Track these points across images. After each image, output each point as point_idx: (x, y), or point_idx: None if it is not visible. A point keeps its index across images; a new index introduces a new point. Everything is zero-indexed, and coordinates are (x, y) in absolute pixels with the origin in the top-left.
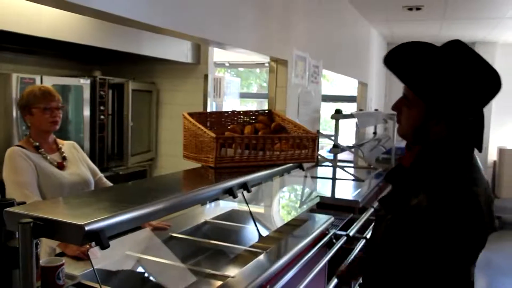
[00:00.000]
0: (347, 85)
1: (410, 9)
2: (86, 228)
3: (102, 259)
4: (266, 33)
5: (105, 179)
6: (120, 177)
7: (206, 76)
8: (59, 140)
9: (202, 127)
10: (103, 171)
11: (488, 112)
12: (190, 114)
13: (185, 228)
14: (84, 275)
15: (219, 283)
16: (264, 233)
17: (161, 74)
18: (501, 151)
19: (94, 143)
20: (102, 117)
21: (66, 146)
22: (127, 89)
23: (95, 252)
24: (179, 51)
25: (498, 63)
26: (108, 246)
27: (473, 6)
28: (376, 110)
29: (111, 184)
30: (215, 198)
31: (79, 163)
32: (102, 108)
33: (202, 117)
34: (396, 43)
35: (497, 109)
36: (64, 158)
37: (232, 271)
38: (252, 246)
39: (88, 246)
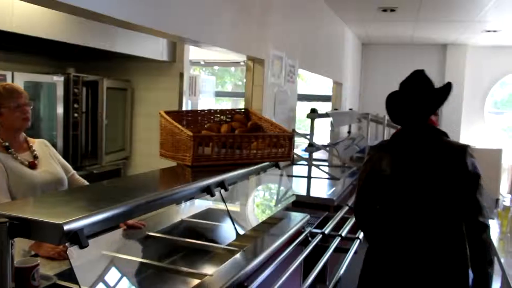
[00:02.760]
0: (322, 85)
1: (385, 10)
2: (65, 227)
3: (77, 258)
4: (243, 32)
5: (78, 176)
6: (94, 176)
7: (181, 75)
8: (29, 139)
9: (179, 126)
10: (76, 170)
11: (458, 113)
12: (167, 113)
13: (161, 227)
14: (59, 275)
15: (196, 281)
16: (241, 231)
17: (136, 72)
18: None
19: (67, 142)
20: (75, 115)
21: (37, 144)
22: (101, 87)
23: (70, 251)
24: (154, 49)
25: (469, 65)
26: (87, 245)
27: (445, 9)
28: (350, 109)
29: (85, 181)
30: (192, 197)
31: (51, 161)
32: (76, 106)
33: (179, 115)
34: (370, 44)
35: (466, 110)
36: (35, 157)
37: (209, 270)
38: (229, 245)
39: (63, 246)
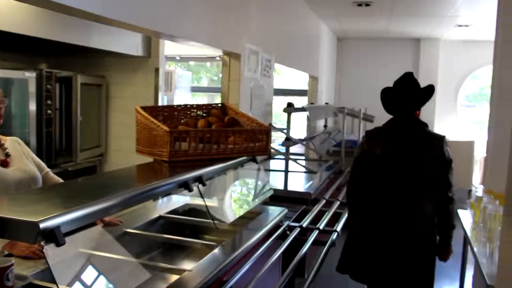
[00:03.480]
0: (297, 79)
1: (360, 5)
2: (41, 225)
3: (54, 257)
4: (219, 26)
5: (52, 174)
6: (69, 173)
7: (157, 70)
8: (1, 137)
9: (155, 121)
10: (51, 168)
11: (431, 106)
12: (143, 108)
13: (139, 224)
14: (35, 275)
15: (175, 277)
16: (219, 226)
17: (110, 68)
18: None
19: (41, 139)
20: (49, 111)
21: (9, 142)
22: (75, 83)
23: (46, 250)
24: (129, 43)
25: (442, 59)
26: (64, 243)
27: (418, 4)
28: (326, 103)
29: (59, 179)
30: (170, 192)
31: (24, 159)
32: (49, 102)
33: (155, 111)
34: (346, 38)
35: (440, 103)
36: (7, 155)
37: (188, 265)
38: (207, 240)
39: (38, 245)
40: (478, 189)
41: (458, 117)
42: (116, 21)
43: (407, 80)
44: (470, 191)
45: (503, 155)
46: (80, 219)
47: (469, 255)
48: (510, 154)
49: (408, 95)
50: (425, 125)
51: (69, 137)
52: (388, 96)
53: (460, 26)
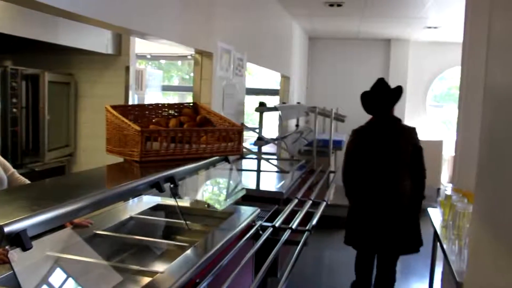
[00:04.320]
0: (269, 79)
1: (332, 5)
2: (5, 229)
3: (19, 262)
4: (191, 25)
5: (18, 175)
6: (36, 174)
7: (127, 68)
8: None
9: (126, 120)
10: (17, 168)
11: (401, 106)
12: (113, 107)
13: (109, 225)
14: None
15: (147, 279)
16: (192, 227)
17: (79, 65)
18: None
19: (6, 138)
20: (14, 110)
21: None
22: (42, 81)
23: (12, 255)
24: (98, 41)
25: (411, 59)
26: (31, 247)
27: (389, 6)
28: (298, 103)
29: (26, 180)
30: (141, 193)
31: None
32: (14, 100)
33: (126, 110)
34: (317, 38)
35: (410, 103)
36: None
37: (160, 267)
38: (180, 241)
39: (3, 249)
40: (447, 187)
41: (427, 117)
42: (84, 17)
43: (381, 86)
44: (438, 189)
45: (471, 154)
46: (48, 222)
47: (438, 252)
48: (479, 153)
49: (383, 98)
50: (399, 120)
51: (36, 137)
52: (367, 100)
53: (429, 28)
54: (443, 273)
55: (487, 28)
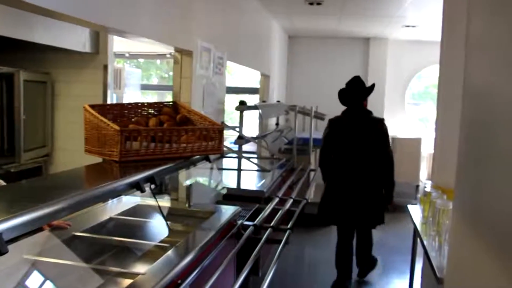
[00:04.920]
0: (248, 78)
1: (311, 3)
2: None
3: None
4: (171, 22)
5: None
6: (11, 175)
7: (105, 67)
8: None
9: (105, 120)
10: None
11: (380, 104)
12: (92, 106)
13: (88, 226)
14: None
15: (128, 281)
16: (173, 227)
17: (56, 64)
18: (393, 140)
19: None
20: None
21: None
22: (17, 80)
23: None
24: (76, 39)
25: (390, 58)
26: (7, 251)
27: (368, 4)
28: (278, 101)
29: (1, 181)
30: (121, 193)
31: None
32: None
33: (104, 109)
34: (297, 36)
35: (389, 102)
36: None
37: (141, 268)
38: (161, 241)
39: None
40: (426, 184)
41: (406, 115)
42: (61, 14)
43: (355, 81)
44: (417, 186)
45: (450, 151)
46: (25, 225)
47: (419, 248)
48: (459, 151)
49: (355, 91)
50: (370, 112)
51: (12, 137)
52: (342, 93)
53: (408, 26)
54: (423, 269)
55: (465, 27)
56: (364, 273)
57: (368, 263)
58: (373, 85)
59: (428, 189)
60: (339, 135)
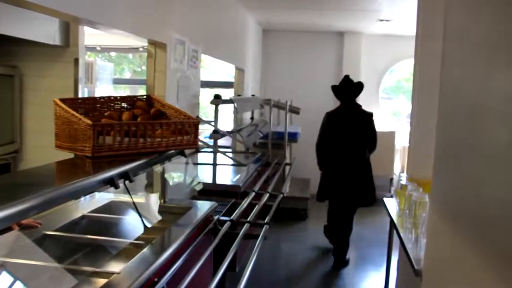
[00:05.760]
0: (222, 72)
1: None
2: None
3: None
4: (144, 14)
5: None
6: None
7: (76, 60)
8: None
9: (76, 114)
10: None
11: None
12: (62, 100)
13: (60, 225)
14: None
15: (103, 281)
16: (148, 224)
17: (24, 57)
18: None
19: None
20: None
21: None
22: None
23: None
24: (45, 31)
25: (364, 52)
26: None
27: None
28: (253, 95)
29: None
30: (94, 190)
31: None
32: None
33: (76, 103)
34: (271, 30)
35: (363, 95)
36: None
37: (116, 267)
38: (136, 239)
39: None
40: (402, 177)
41: (380, 109)
42: (28, 3)
43: (347, 81)
44: (391, 179)
45: (425, 144)
46: None
47: (395, 239)
48: (436, 144)
49: (348, 90)
50: (360, 106)
51: None
52: (336, 91)
53: (382, 20)
54: (399, 262)
55: (439, 21)
56: (340, 261)
57: (345, 246)
58: (361, 83)
59: (403, 182)
60: (335, 126)
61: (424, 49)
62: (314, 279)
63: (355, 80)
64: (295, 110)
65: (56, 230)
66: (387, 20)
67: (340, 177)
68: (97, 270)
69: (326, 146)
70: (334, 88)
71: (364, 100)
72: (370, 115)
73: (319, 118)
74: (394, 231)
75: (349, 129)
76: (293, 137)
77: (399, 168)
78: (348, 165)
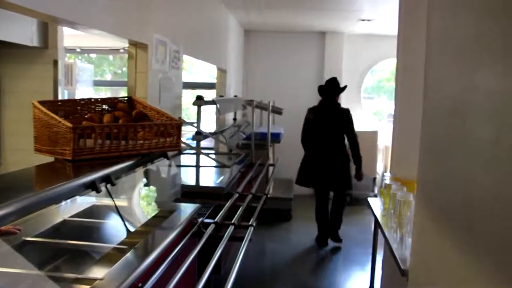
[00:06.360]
0: (203, 73)
1: None
2: None
3: None
4: (125, 14)
5: None
6: None
7: (55, 62)
8: None
9: (56, 117)
10: None
11: (339, 99)
12: (41, 103)
13: (40, 230)
14: None
15: (86, 287)
16: (131, 228)
17: (1, 59)
18: None
19: None
20: None
21: None
22: None
23: None
24: (22, 32)
25: (346, 52)
26: None
27: None
28: (235, 96)
29: None
30: (75, 194)
31: None
32: None
33: (55, 105)
34: (253, 31)
35: (346, 95)
36: None
37: (99, 273)
38: (119, 243)
39: None
40: (386, 177)
41: (362, 108)
42: (4, 2)
43: (331, 81)
44: (374, 178)
45: (408, 144)
46: None
47: (380, 237)
48: (421, 143)
49: (331, 88)
50: (339, 104)
51: None
52: (321, 88)
53: (363, 20)
54: (383, 261)
55: (421, 21)
56: (337, 236)
57: (339, 220)
58: (345, 86)
59: (387, 181)
60: (316, 120)
61: (406, 49)
62: (299, 280)
63: (339, 81)
64: (277, 111)
65: (36, 236)
66: (368, 20)
67: (318, 164)
68: (80, 276)
69: (308, 137)
70: (320, 88)
71: (346, 100)
72: (347, 110)
73: (302, 118)
74: (379, 231)
75: (327, 122)
76: (276, 137)
77: (382, 167)
78: (326, 153)
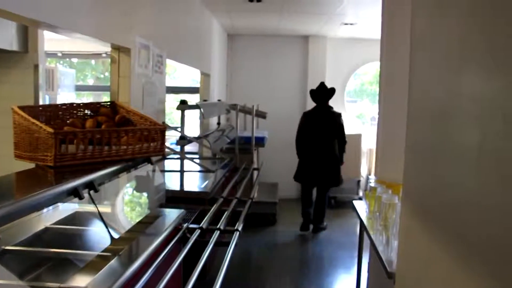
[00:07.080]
0: (186, 78)
1: (251, 0)
2: None
3: None
4: (107, 17)
5: None
6: None
7: (36, 67)
8: None
9: (37, 122)
10: None
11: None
12: (21, 108)
13: (21, 239)
14: None
15: None
16: (115, 234)
17: None
18: None
19: None
20: None
21: None
22: None
23: None
24: (1, 36)
25: (329, 56)
26: None
27: (308, 2)
28: (219, 100)
29: None
30: (57, 201)
31: None
32: None
33: (36, 111)
34: (236, 35)
35: (331, 101)
36: None
37: (83, 281)
38: (103, 251)
39: None
40: (371, 179)
41: (345, 112)
42: None
43: (321, 86)
44: (359, 181)
45: (392, 146)
46: None
47: (366, 240)
48: (406, 146)
49: (322, 94)
50: (331, 107)
51: None
52: (312, 94)
53: (346, 24)
54: (369, 264)
55: (405, 24)
56: (317, 228)
57: (321, 217)
58: (333, 88)
59: (372, 184)
60: (310, 123)
61: (390, 52)
62: (284, 284)
63: (326, 85)
64: (261, 115)
65: (16, 245)
66: (351, 24)
67: (312, 164)
68: (63, 285)
69: (303, 139)
70: (311, 92)
71: (329, 103)
72: (339, 114)
73: (286, 122)
74: (365, 234)
75: (321, 126)
76: (260, 141)
77: (366, 170)
78: (319, 154)
